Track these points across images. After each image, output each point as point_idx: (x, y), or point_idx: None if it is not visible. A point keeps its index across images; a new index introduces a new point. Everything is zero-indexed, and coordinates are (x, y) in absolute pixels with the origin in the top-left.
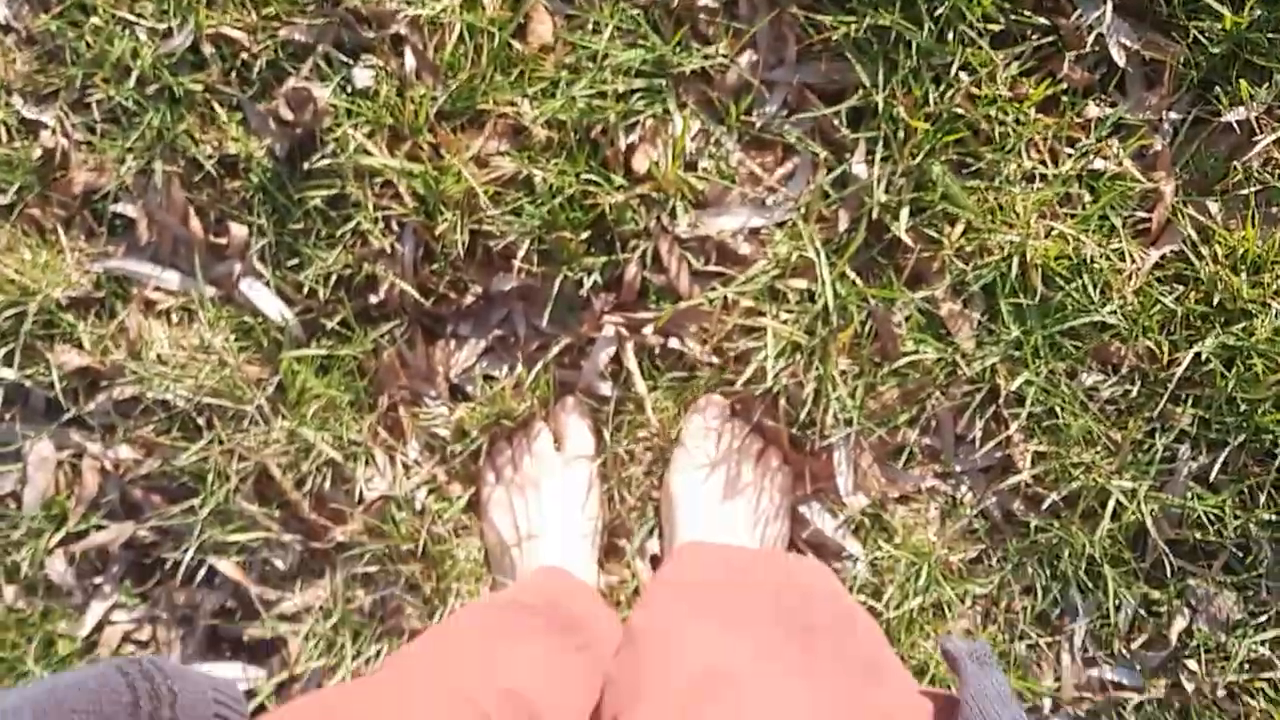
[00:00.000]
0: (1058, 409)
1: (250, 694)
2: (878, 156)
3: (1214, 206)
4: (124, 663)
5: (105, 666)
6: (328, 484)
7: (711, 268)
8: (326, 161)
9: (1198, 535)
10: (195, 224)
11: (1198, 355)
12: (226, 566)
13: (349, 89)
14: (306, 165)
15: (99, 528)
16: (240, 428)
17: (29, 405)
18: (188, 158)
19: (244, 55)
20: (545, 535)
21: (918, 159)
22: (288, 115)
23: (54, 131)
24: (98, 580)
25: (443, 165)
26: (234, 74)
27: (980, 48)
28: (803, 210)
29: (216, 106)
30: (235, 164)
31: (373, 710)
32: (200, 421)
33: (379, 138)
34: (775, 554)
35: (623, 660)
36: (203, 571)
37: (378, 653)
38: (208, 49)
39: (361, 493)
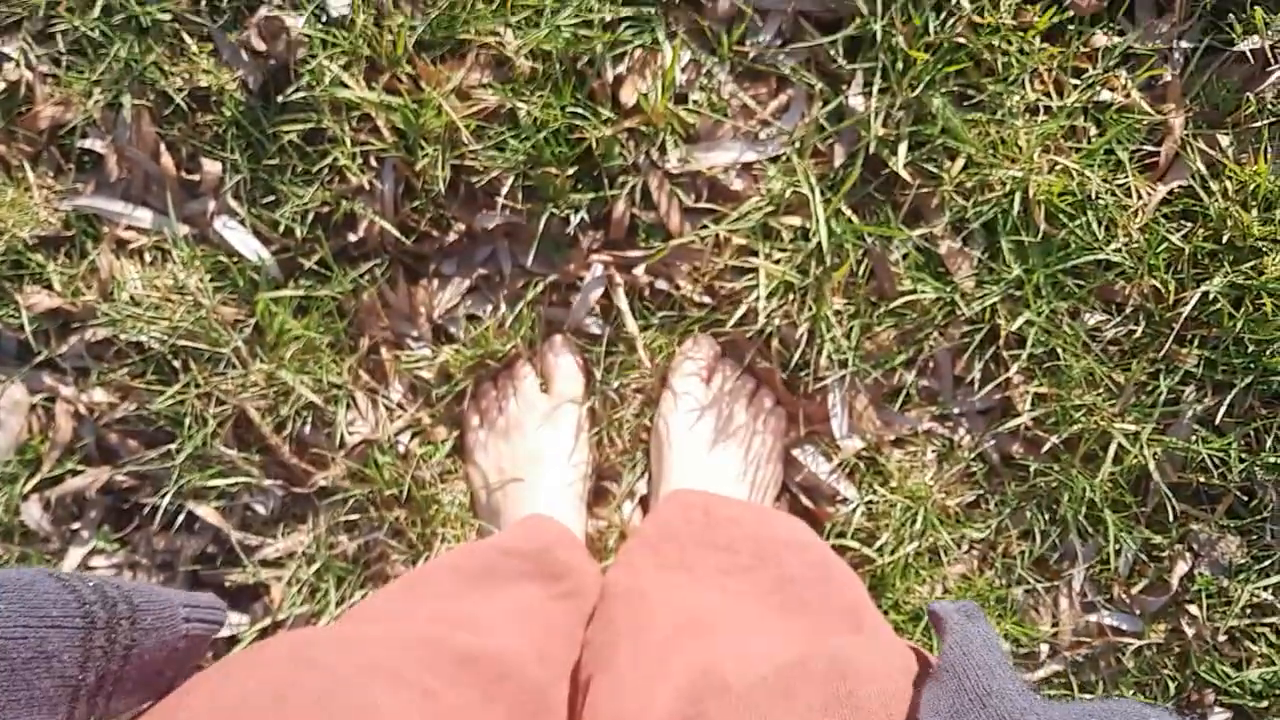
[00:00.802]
0: (1059, 350)
1: (233, 640)
2: (875, 88)
3: (1225, 140)
4: (72, 578)
5: (46, 579)
6: (308, 428)
7: (703, 204)
8: (301, 95)
9: (1201, 479)
10: (167, 160)
11: (1205, 294)
12: (206, 512)
13: (324, 18)
14: (281, 99)
15: (75, 472)
16: (217, 370)
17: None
18: (157, 91)
19: None
20: (531, 480)
21: (917, 91)
22: (260, 46)
23: (17, 64)
24: (75, 526)
25: (423, 98)
26: (204, 3)
27: None
28: (797, 144)
29: (186, 37)
30: (207, 97)
31: (331, 660)
32: (176, 364)
33: (356, 69)
34: (755, 507)
35: (598, 620)
36: (182, 517)
37: (362, 599)
38: None
39: (343, 437)
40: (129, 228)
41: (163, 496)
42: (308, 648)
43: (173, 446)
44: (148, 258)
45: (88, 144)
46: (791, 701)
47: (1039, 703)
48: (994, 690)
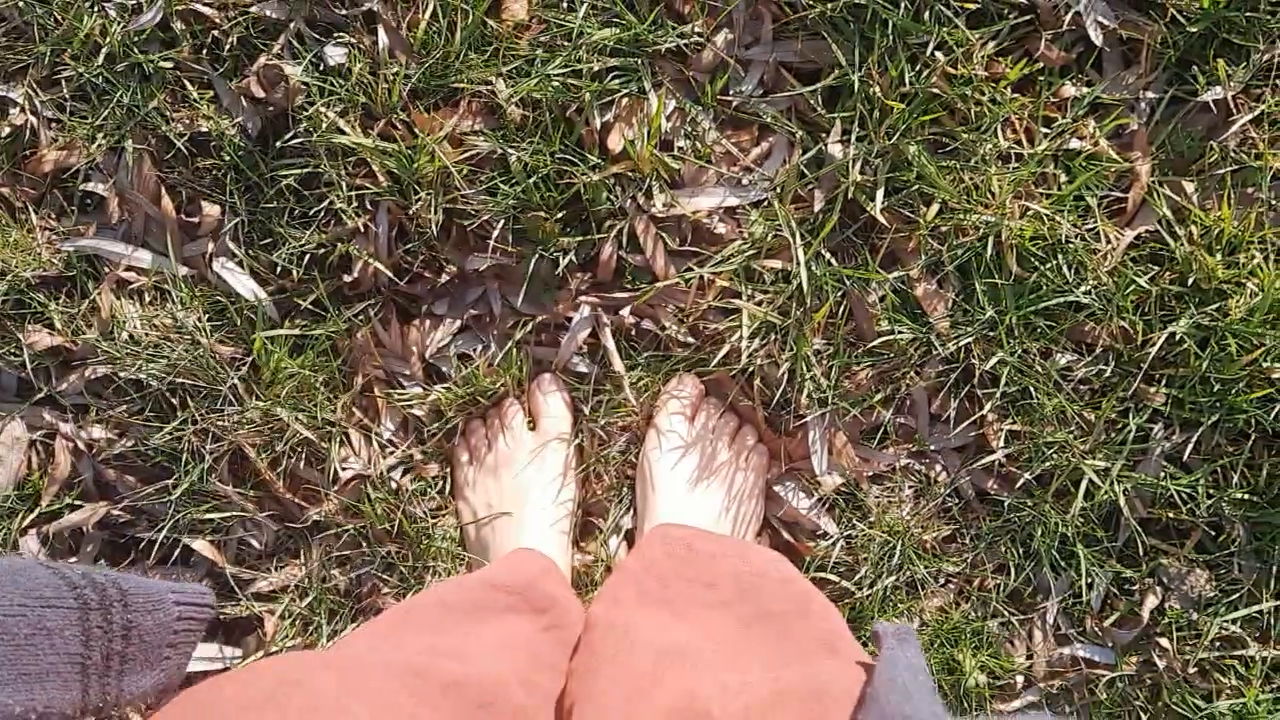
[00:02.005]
0: (1032, 389)
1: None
2: (853, 136)
3: (1190, 186)
4: (60, 566)
5: (35, 566)
6: (303, 464)
7: (687, 247)
8: (299, 140)
9: (1170, 514)
10: (167, 203)
11: (1172, 335)
12: (201, 546)
13: (321, 67)
14: (279, 144)
15: (73, 508)
16: (214, 407)
17: (0, 385)
18: (159, 136)
19: (215, 32)
20: (519, 515)
21: (893, 139)
22: (260, 93)
23: (23, 109)
24: (72, 560)
25: (416, 144)
26: (205, 51)
27: (957, 27)
28: (778, 190)
29: (187, 84)
30: (207, 142)
31: (319, 682)
32: (174, 401)
33: (352, 116)
34: (736, 542)
35: (582, 651)
36: (178, 551)
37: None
38: (178, 25)
39: (336, 472)
40: (129, 268)
41: (159, 531)
42: (296, 669)
43: (169, 482)
44: (147, 297)
45: (90, 187)
46: None
47: None
48: (908, 715)
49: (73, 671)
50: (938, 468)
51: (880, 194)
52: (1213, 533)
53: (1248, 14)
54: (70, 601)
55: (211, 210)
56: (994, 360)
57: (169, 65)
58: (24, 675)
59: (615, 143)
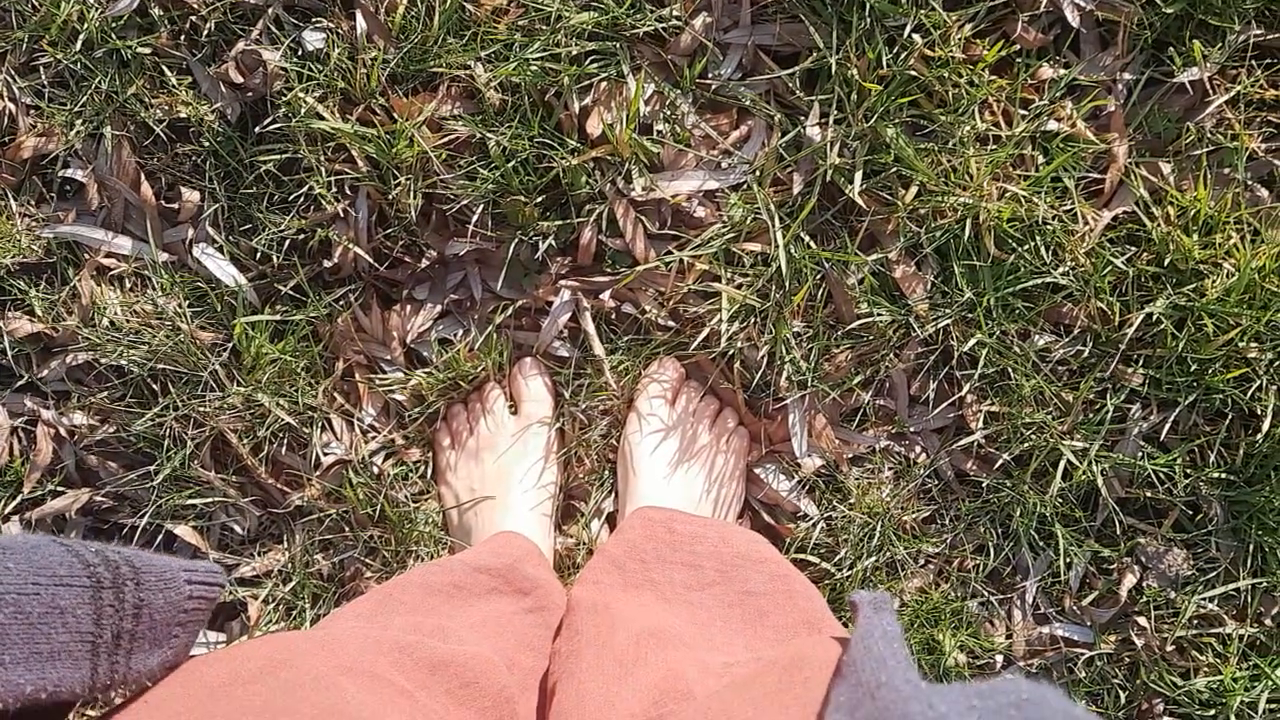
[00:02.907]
0: (1010, 370)
1: None
2: (831, 119)
3: (1166, 167)
4: (74, 543)
5: (50, 544)
6: (284, 449)
7: (667, 231)
8: (278, 126)
9: (1148, 494)
10: (146, 189)
11: (1149, 316)
12: (184, 532)
13: (300, 52)
14: (258, 129)
15: (55, 494)
16: (195, 393)
17: None
18: (138, 122)
19: (193, 18)
20: (501, 499)
21: (871, 121)
22: (238, 79)
23: (1, 96)
24: None
25: (395, 129)
26: (183, 37)
27: (934, 9)
28: (757, 173)
29: (166, 70)
30: (186, 128)
31: (307, 660)
32: (155, 387)
33: (331, 101)
34: (717, 523)
35: (564, 632)
36: (161, 537)
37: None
38: (156, 11)
39: (318, 457)
40: (109, 255)
41: (141, 517)
42: (284, 649)
43: (152, 468)
44: (128, 284)
45: (69, 173)
46: (750, 691)
47: (925, 690)
48: (883, 682)
49: (83, 650)
50: (917, 449)
51: (859, 176)
52: (1190, 512)
53: None
54: (84, 579)
55: (191, 196)
56: (972, 342)
57: (147, 51)
58: (36, 654)
59: (594, 127)
